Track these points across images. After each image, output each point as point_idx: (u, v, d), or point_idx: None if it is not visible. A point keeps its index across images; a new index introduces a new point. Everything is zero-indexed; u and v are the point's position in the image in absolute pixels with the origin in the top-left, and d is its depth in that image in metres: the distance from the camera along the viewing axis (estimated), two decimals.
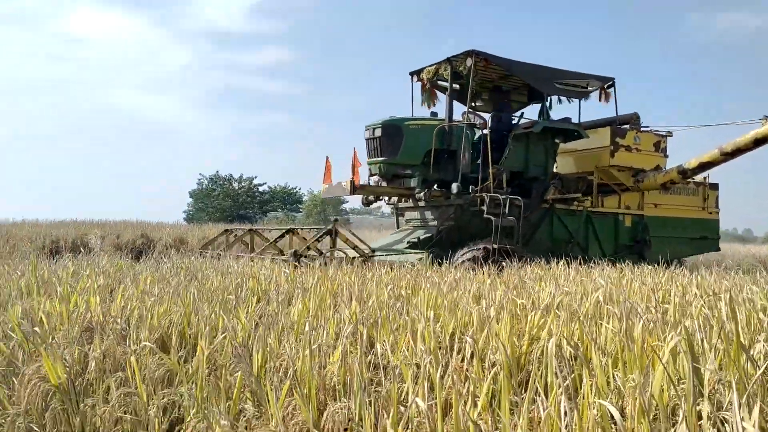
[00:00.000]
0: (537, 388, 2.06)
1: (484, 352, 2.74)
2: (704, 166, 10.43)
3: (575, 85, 10.52)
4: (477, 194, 9.16)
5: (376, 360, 2.74)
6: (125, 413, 2.76)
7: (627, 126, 11.24)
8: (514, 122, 10.88)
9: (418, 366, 2.59)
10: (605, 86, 10.89)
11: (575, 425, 1.79)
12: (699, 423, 1.75)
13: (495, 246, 8.36)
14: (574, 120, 10.62)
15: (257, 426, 2.20)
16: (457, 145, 9.53)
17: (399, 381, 2.36)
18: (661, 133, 11.52)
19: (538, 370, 2.33)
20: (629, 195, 11.42)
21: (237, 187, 53.97)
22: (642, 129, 11.36)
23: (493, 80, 10.97)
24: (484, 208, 8.89)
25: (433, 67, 10.23)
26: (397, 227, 11.04)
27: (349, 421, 2.13)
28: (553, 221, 10.44)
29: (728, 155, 9.84)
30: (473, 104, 11.69)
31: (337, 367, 2.60)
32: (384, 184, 10.07)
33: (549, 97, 10.79)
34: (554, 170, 10.92)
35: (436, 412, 2.03)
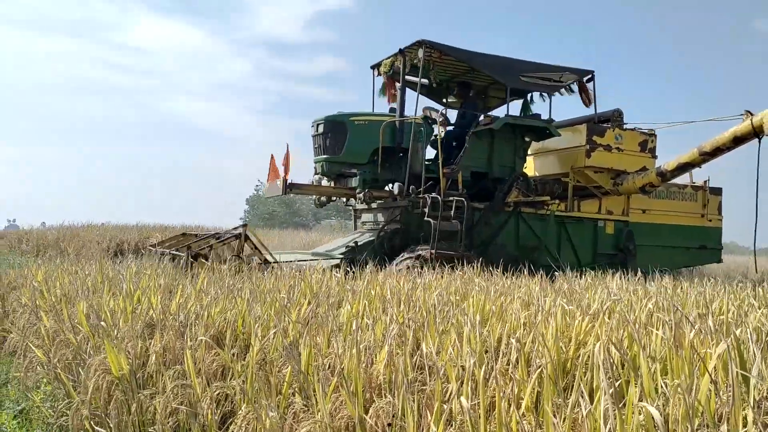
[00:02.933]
0: (582, 390, 2.06)
1: (530, 356, 2.75)
2: (683, 167, 9.62)
3: (546, 78, 9.78)
4: (419, 196, 8.54)
5: (422, 360, 2.79)
6: (181, 404, 2.90)
7: (607, 124, 10.37)
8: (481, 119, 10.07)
9: (463, 368, 2.62)
10: (583, 80, 10.09)
11: (617, 428, 1.79)
12: (744, 430, 1.73)
13: (433, 251, 7.77)
14: (551, 116, 9.85)
15: (305, 419, 2.28)
16: (408, 143, 8.80)
17: (443, 381, 2.40)
18: (647, 131, 10.61)
19: (584, 375, 2.34)
20: (612, 199, 10.54)
21: (292, 195, 54.89)
22: (626, 127, 10.49)
23: (462, 74, 10.40)
24: (426, 210, 8.30)
25: (389, 59, 9.56)
26: (354, 229, 10.51)
27: (393, 417, 2.18)
28: (519, 226, 9.69)
29: (707, 155, 9.08)
30: (445, 100, 11.20)
31: (383, 366, 2.66)
32: (332, 183, 9.50)
33: (530, 93, 10.18)
34: (524, 171, 10.12)
35: (479, 411, 2.06)
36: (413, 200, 8.61)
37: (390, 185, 9.15)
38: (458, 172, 9.01)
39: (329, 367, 2.88)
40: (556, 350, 2.63)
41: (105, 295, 4.93)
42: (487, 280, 5.76)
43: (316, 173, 9.51)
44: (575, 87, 10.24)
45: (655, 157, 10.55)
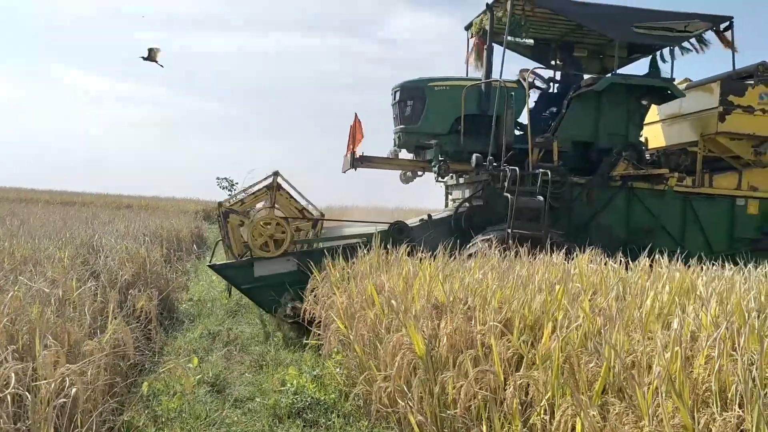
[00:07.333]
0: None
1: None
2: None
3: (668, 29, 7.84)
4: (497, 169, 7.35)
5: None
6: (480, 389, 2.94)
7: (749, 81, 8.06)
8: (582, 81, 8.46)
9: None
10: (718, 29, 8.00)
11: None
12: None
13: (509, 231, 6.74)
14: (674, 76, 8.08)
15: (628, 422, 2.13)
16: (496, 110, 7.62)
17: None
18: None
19: None
20: (758, 173, 8.19)
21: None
22: None
23: (571, 30, 8.78)
24: (506, 184, 7.13)
25: (479, 18, 8.35)
26: (445, 206, 9.47)
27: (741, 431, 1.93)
28: (630, 204, 7.99)
29: None
30: (553, 62, 9.44)
31: (708, 373, 2.39)
32: (412, 156, 8.54)
33: (659, 50, 8.35)
34: (639, 140, 8.35)
35: None
36: (493, 173, 7.58)
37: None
38: (553, 141, 7.84)
39: (633, 365, 2.69)
40: None
41: (386, 275, 5.25)
42: None
43: (394, 145, 8.70)
44: (709, 38, 8.33)
45: None
